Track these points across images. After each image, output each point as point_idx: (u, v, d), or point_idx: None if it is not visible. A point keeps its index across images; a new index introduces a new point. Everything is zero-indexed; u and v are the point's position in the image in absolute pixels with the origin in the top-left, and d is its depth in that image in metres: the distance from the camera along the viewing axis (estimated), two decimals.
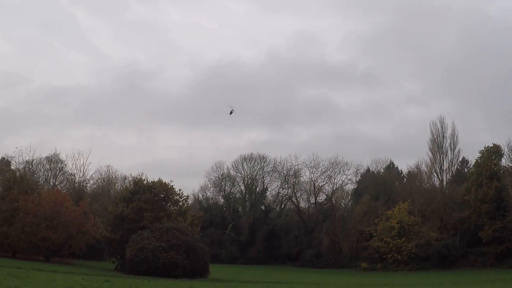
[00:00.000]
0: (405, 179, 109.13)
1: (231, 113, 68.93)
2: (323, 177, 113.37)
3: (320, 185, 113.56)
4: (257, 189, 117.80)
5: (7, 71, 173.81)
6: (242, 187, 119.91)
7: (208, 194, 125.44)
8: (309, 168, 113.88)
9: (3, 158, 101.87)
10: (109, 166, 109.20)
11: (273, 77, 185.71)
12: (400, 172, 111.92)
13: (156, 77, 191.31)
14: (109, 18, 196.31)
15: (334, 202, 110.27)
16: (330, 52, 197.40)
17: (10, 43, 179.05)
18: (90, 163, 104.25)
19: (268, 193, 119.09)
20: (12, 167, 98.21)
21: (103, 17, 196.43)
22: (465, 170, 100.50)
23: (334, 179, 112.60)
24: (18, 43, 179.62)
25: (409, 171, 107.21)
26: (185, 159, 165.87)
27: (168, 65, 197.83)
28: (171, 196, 66.29)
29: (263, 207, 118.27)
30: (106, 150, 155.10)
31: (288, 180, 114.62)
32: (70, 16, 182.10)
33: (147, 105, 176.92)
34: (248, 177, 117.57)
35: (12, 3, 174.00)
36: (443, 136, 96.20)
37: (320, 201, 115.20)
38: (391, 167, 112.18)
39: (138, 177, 68.50)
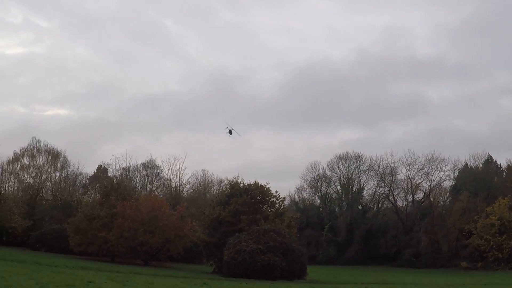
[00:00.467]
0: (504, 173, 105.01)
1: (230, 132, 68.43)
2: (420, 174, 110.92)
3: (417, 182, 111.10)
4: (354, 189, 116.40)
5: (101, 82, 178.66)
6: (338, 187, 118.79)
7: (304, 195, 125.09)
8: (406, 166, 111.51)
9: (100, 165, 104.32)
10: (204, 170, 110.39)
11: (363, 74, 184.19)
12: (499, 166, 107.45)
13: (246, 80, 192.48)
14: (198, 24, 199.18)
15: (432, 199, 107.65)
16: (419, 46, 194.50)
17: (102, 55, 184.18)
18: (185, 167, 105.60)
19: (364, 192, 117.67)
20: (110, 174, 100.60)
21: (191, 24, 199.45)
22: None
23: (432, 176, 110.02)
24: (110, 55, 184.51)
25: (509, 165, 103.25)
26: (279, 161, 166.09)
27: (257, 67, 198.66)
28: (267, 198, 65.81)
29: (360, 207, 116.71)
30: (200, 155, 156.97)
31: (385, 178, 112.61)
32: (159, 25, 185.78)
33: (238, 108, 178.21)
34: (344, 176, 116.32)
35: (103, 17, 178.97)
36: None
37: (417, 199, 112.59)
38: (489, 161, 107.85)
39: (234, 180, 68.47)
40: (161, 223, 65.83)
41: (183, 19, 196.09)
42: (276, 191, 66.77)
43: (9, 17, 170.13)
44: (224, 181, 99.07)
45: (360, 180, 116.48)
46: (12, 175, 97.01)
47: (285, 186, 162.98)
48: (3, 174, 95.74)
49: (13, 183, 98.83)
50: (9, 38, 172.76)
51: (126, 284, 29.83)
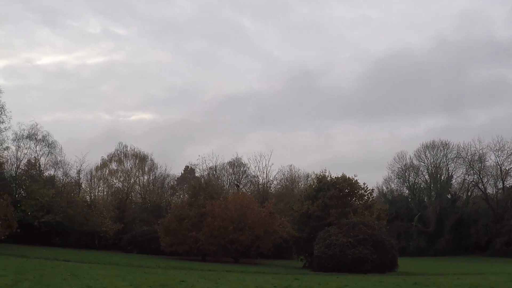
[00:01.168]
0: None
1: (238, 186, 67.90)
2: (509, 159, 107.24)
3: (506, 168, 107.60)
4: (442, 178, 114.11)
5: (182, 84, 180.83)
6: (426, 176, 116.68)
7: (392, 186, 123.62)
8: (494, 152, 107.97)
9: (187, 166, 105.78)
10: (291, 165, 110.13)
11: (443, 61, 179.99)
12: None
13: (326, 74, 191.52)
14: (275, 21, 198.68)
15: None
16: (498, 29, 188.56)
17: (182, 58, 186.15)
18: (272, 164, 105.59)
19: (453, 180, 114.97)
20: (197, 174, 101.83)
21: (268, 22, 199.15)
22: None
23: None
24: (190, 57, 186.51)
25: None
26: (364, 153, 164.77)
27: (336, 60, 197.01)
28: (355, 191, 65.14)
29: (449, 196, 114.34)
30: (286, 150, 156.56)
31: (473, 165, 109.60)
32: (237, 24, 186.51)
33: (320, 102, 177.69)
34: (432, 165, 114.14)
35: (180, 21, 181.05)
36: None
37: (508, 185, 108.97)
38: None
39: (321, 174, 67.95)
40: (250, 220, 66.10)
41: (260, 17, 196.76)
42: (364, 183, 66.04)
43: (89, 28, 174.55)
44: (311, 176, 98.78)
45: (448, 168, 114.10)
46: (101, 181, 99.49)
47: (371, 178, 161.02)
48: (93, 180, 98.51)
49: (102, 188, 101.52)
50: (89, 48, 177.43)
51: (218, 282, 30.02)
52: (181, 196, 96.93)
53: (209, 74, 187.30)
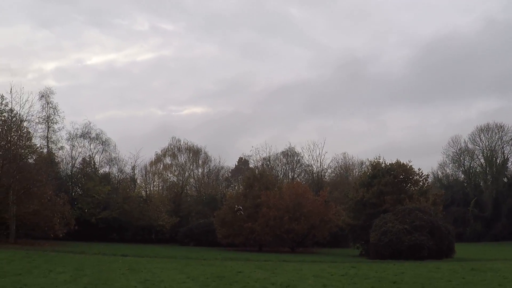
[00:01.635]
0: None
1: (237, 210, 67.32)
2: None
3: None
4: (498, 161, 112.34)
5: (232, 77, 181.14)
6: (482, 160, 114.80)
7: (448, 171, 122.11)
8: None
9: (241, 158, 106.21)
10: (344, 153, 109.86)
11: (492, 42, 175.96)
12: None
13: (375, 61, 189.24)
14: (322, 9, 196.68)
15: None
16: None
17: (231, 50, 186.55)
18: (326, 152, 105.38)
19: (509, 164, 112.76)
20: (251, 165, 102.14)
21: (316, 9, 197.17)
22: None
23: None
24: (238, 49, 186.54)
25: None
26: (418, 138, 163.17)
27: (385, 46, 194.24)
28: (410, 177, 64.56)
29: (505, 180, 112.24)
30: (338, 138, 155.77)
31: None
32: (284, 13, 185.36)
33: (371, 89, 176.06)
34: (487, 148, 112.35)
35: (227, 13, 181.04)
36: None
37: None
38: None
39: (375, 160, 67.61)
40: (306, 210, 66.27)
41: (307, 5, 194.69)
42: (419, 169, 65.35)
43: (137, 26, 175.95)
44: (365, 163, 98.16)
45: (503, 151, 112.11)
46: (156, 176, 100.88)
47: (426, 163, 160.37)
48: (147, 175, 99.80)
49: (157, 183, 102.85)
50: (138, 45, 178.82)
51: (275, 272, 30.22)
52: (236, 187, 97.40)
53: (258, 64, 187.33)
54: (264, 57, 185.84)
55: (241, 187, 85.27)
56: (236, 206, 67.62)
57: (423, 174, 65.57)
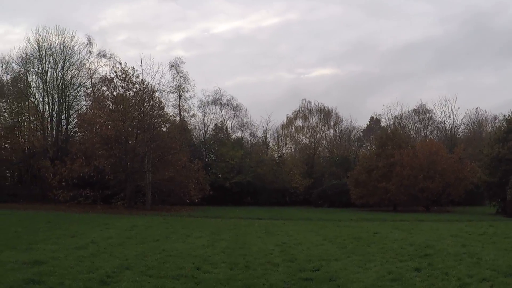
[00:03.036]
0: None
1: None
2: None
3: None
4: None
5: (358, 37, 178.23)
6: None
7: None
8: None
9: (372, 117, 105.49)
10: (477, 108, 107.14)
11: None
12: None
13: (502, 13, 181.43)
14: None
15: None
16: None
17: (355, 11, 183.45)
18: (458, 108, 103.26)
19: None
20: (383, 124, 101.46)
21: None
22: None
23: None
24: (363, 9, 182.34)
25: None
26: None
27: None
28: None
29: None
30: (470, 94, 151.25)
31: None
32: None
33: (500, 42, 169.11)
34: None
35: None
36: None
37: None
38: None
39: (510, 115, 65.81)
40: (440, 168, 65.44)
41: None
42: None
43: None
44: (498, 118, 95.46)
45: None
46: (288, 138, 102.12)
47: None
48: (279, 138, 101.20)
49: (289, 146, 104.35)
50: (264, 11, 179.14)
51: (411, 232, 30.41)
52: (368, 147, 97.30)
53: (383, 23, 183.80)
54: (389, 15, 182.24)
55: (373, 146, 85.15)
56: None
57: None
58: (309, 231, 32.42)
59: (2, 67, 74.25)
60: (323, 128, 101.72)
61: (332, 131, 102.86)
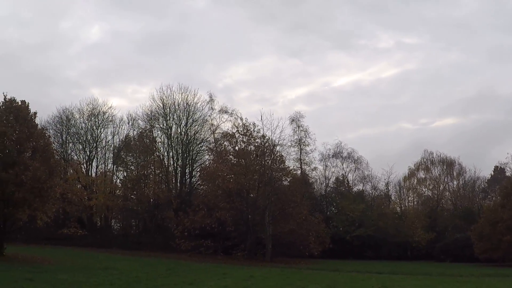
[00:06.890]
0: None
1: None
2: None
3: None
4: None
5: (478, 83, 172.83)
6: None
7: None
8: None
9: (497, 166, 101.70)
10: None
11: None
12: None
13: None
14: None
15: None
16: None
17: (476, 56, 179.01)
18: None
19: None
20: (507, 173, 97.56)
21: None
22: None
23: None
24: (483, 54, 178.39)
25: None
26: None
27: None
28: None
29: None
30: None
31: None
32: None
33: None
34: None
35: (469, 18, 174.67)
36: None
37: None
38: None
39: None
40: None
41: None
42: None
43: (381, 44, 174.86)
44: None
45: None
46: (410, 191, 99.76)
47: None
48: (401, 191, 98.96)
49: (412, 198, 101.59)
50: (385, 61, 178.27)
51: None
52: (493, 198, 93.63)
53: (504, 70, 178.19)
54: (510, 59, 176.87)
55: (498, 197, 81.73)
56: None
57: None
58: (426, 286, 31.64)
59: (129, 123, 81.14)
60: (446, 179, 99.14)
61: (455, 182, 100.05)
